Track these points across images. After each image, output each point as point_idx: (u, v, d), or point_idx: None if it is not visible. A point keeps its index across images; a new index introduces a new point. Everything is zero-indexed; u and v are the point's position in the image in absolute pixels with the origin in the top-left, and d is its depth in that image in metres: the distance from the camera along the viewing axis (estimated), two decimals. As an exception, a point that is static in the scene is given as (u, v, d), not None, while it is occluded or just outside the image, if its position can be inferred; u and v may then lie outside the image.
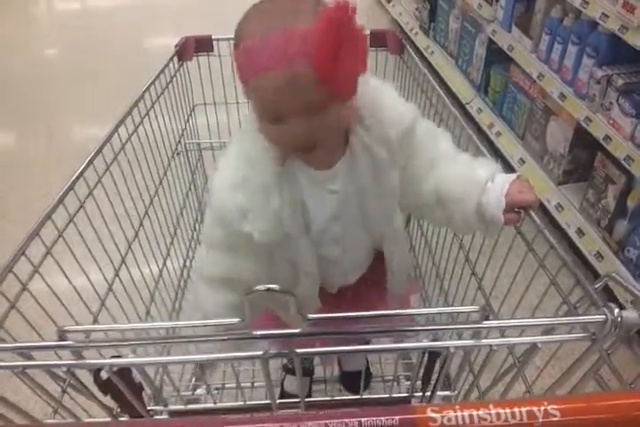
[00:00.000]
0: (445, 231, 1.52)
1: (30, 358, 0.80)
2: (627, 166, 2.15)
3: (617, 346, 0.77)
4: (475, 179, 1.09)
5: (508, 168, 3.07)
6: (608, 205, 2.36)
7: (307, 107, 0.95)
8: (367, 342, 0.99)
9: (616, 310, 0.73)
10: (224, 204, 1.09)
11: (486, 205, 1.05)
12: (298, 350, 0.76)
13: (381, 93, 1.11)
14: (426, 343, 0.77)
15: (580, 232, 2.48)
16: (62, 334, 0.75)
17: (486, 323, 0.73)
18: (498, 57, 3.16)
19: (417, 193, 1.19)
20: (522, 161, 2.94)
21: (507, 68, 3.13)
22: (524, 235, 1.05)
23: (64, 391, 1.01)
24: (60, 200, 1.15)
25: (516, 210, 1.03)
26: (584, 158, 2.62)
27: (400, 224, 1.25)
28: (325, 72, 0.89)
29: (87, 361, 0.77)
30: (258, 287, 0.68)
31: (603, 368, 0.81)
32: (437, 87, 1.63)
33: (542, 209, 2.78)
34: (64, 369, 0.77)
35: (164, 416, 0.98)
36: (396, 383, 1.50)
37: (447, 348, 0.76)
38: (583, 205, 2.53)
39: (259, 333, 0.73)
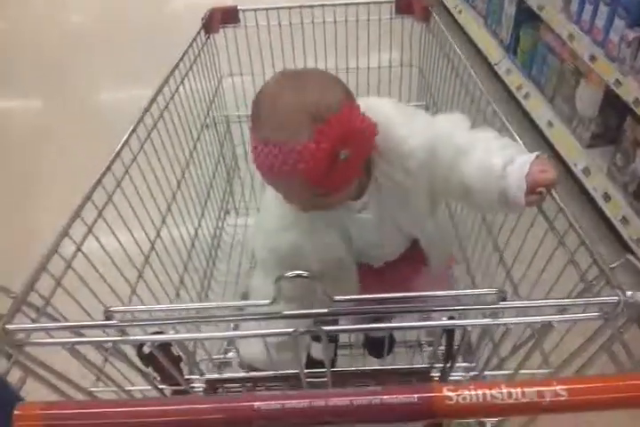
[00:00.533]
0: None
1: (79, 333, 0.87)
2: (656, 131, 2.13)
3: (630, 325, 0.80)
4: (492, 168, 1.10)
5: (536, 131, 3.04)
6: (636, 170, 2.34)
7: (310, 196, 1.07)
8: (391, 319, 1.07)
9: (628, 293, 0.76)
10: (279, 244, 1.23)
11: (508, 188, 1.08)
12: (324, 328, 0.81)
13: (393, 126, 1.13)
14: (445, 321, 0.81)
15: (607, 197, 2.47)
16: (109, 314, 0.82)
17: (502, 304, 0.78)
18: (528, 16, 3.08)
19: (446, 193, 1.28)
20: (550, 124, 2.91)
21: (537, 28, 3.06)
22: (545, 213, 1.07)
23: (106, 360, 1.09)
24: (95, 186, 1.20)
25: (539, 190, 1.05)
26: (613, 122, 2.59)
27: (432, 228, 1.32)
28: (320, 184, 1.01)
29: (132, 337, 0.84)
30: (288, 274, 0.74)
31: (616, 345, 0.85)
32: (464, 58, 1.63)
33: (569, 173, 2.78)
34: (110, 345, 0.83)
35: (201, 384, 1.06)
36: (418, 349, 1.57)
37: (464, 326, 0.81)
38: (611, 169, 2.51)
39: (288, 312, 0.79)
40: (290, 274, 0.74)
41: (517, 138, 1.25)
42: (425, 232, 1.33)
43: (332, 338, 1.83)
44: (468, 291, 0.83)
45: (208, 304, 0.89)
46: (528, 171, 1.05)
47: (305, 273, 0.74)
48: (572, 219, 0.97)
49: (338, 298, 0.78)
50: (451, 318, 0.81)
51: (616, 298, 0.76)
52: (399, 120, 1.16)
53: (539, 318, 0.79)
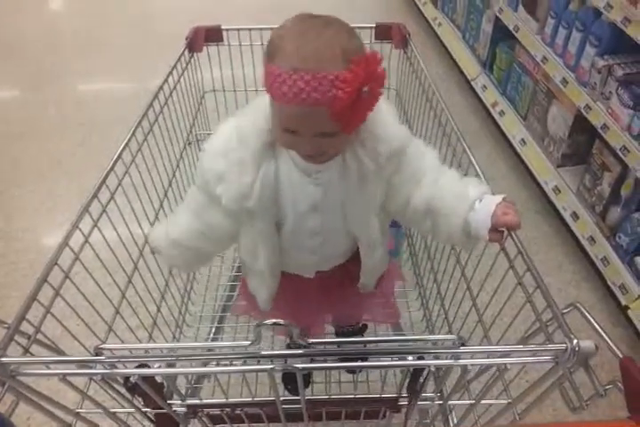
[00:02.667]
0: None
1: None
2: (622, 157, 2.22)
3: (577, 367, 0.88)
4: (465, 197, 1.18)
5: (510, 147, 3.14)
6: (603, 192, 2.45)
7: (319, 133, 1.07)
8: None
9: (575, 341, 0.84)
10: (206, 167, 1.22)
11: (473, 222, 1.16)
12: (299, 366, 0.88)
13: (380, 111, 1.18)
14: (411, 362, 0.89)
15: (575, 216, 2.58)
16: (99, 351, 0.88)
17: (462, 348, 0.85)
18: (505, 34, 3.17)
19: (404, 204, 1.28)
20: (523, 142, 3.01)
21: (513, 47, 3.15)
22: (508, 253, 1.15)
23: (91, 380, 1.14)
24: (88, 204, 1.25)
25: (500, 229, 1.13)
26: (583, 143, 2.69)
27: (376, 232, 1.33)
28: (340, 118, 1.01)
29: (119, 371, 0.90)
30: (266, 322, 0.80)
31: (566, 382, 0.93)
32: (435, 89, 1.70)
33: (540, 191, 2.88)
34: (99, 378, 0.89)
35: (182, 409, 1.12)
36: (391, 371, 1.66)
37: (429, 366, 0.89)
38: (580, 189, 2.61)
39: (266, 353, 0.85)
40: (268, 322, 0.81)
41: (482, 177, 1.33)
42: (368, 235, 1.33)
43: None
44: (430, 337, 0.91)
45: (191, 344, 0.95)
46: (493, 212, 1.13)
47: (282, 321, 0.80)
48: (530, 263, 1.04)
49: (312, 341, 0.85)
50: (420, 357, 0.89)
51: (564, 345, 0.84)
52: (389, 112, 1.24)
53: (495, 361, 0.87)
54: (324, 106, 0.99)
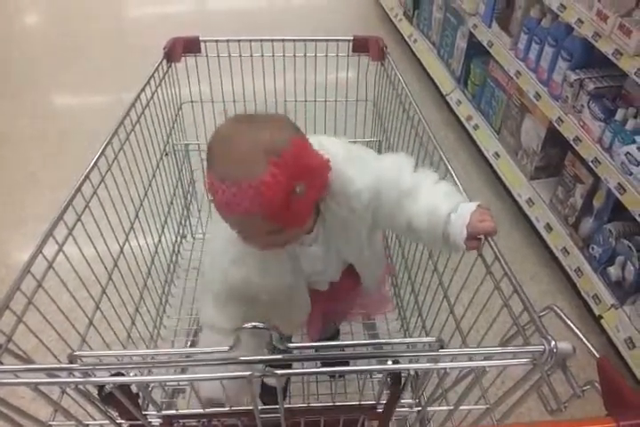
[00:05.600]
0: (422, 249, 1.66)
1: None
2: (594, 168, 2.27)
3: (555, 369, 0.89)
4: (438, 213, 1.19)
5: (484, 160, 3.18)
6: (576, 203, 2.49)
7: (266, 233, 1.11)
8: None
9: (552, 342, 0.85)
10: (231, 280, 1.28)
11: (451, 234, 1.17)
12: (278, 371, 0.87)
13: (341, 166, 1.19)
14: (390, 366, 0.88)
15: (549, 227, 2.61)
16: (73, 358, 0.86)
17: (441, 351, 0.85)
18: (479, 50, 3.23)
19: (389, 226, 1.39)
20: (497, 155, 3.05)
21: (487, 62, 3.20)
22: (485, 258, 1.16)
23: (64, 393, 1.12)
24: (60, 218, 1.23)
25: (478, 236, 1.14)
26: (556, 156, 2.74)
27: (368, 255, 1.41)
28: (276, 219, 1.06)
29: (94, 379, 0.88)
30: (246, 325, 0.79)
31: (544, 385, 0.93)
32: (414, 102, 1.72)
33: (514, 203, 2.92)
34: (73, 387, 0.87)
35: (158, 420, 1.10)
36: (369, 375, 1.65)
37: (408, 369, 0.89)
38: (553, 201, 2.65)
39: (244, 358, 0.84)
40: (248, 325, 0.80)
41: (459, 185, 1.34)
42: (360, 258, 1.42)
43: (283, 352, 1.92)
44: (410, 339, 0.91)
45: (168, 350, 0.93)
46: (469, 221, 1.14)
47: (261, 325, 0.80)
48: (507, 268, 1.05)
49: (291, 345, 0.84)
50: (396, 362, 0.88)
51: (542, 347, 0.85)
52: (347, 161, 1.22)
53: (474, 364, 0.87)
54: (256, 214, 1.02)
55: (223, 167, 1.04)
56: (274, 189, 0.99)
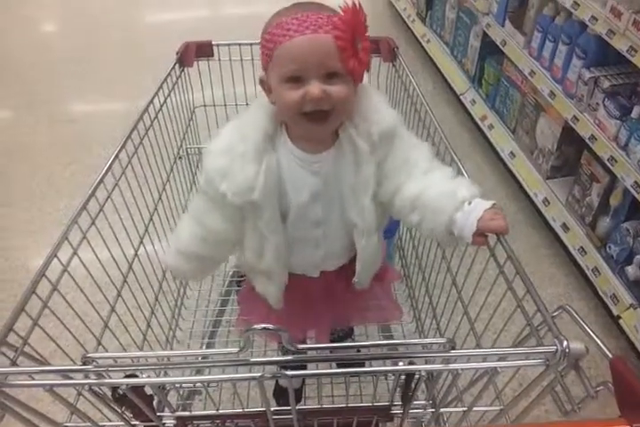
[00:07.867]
0: (436, 248, 1.65)
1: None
2: (610, 167, 2.24)
3: (569, 370, 0.88)
4: (455, 196, 1.18)
5: (500, 160, 3.16)
6: (592, 202, 2.46)
7: (324, 69, 1.12)
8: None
9: (565, 342, 0.84)
10: (210, 166, 1.25)
11: (459, 223, 1.15)
12: (289, 373, 0.87)
13: (371, 96, 1.27)
14: (402, 367, 0.88)
15: (565, 227, 2.59)
16: (87, 360, 0.87)
17: (453, 352, 0.85)
18: (492, 49, 3.21)
19: (394, 193, 1.28)
20: (512, 154, 3.03)
21: (500, 62, 3.18)
22: (497, 258, 1.15)
23: (80, 395, 1.13)
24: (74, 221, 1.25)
25: (485, 234, 1.14)
26: (571, 155, 2.71)
27: (371, 217, 1.31)
28: (344, 43, 1.09)
29: (108, 380, 0.89)
30: (255, 326, 0.80)
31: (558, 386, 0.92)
32: (424, 100, 1.71)
33: (530, 203, 2.89)
34: (87, 388, 0.88)
35: (172, 421, 1.11)
36: (383, 377, 1.65)
37: (420, 371, 0.88)
38: (569, 200, 2.63)
39: (255, 360, 0.85)
40: (257, 327, 0.80)
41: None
42: (363, 219, 1.31)
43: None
44: (422, 340, 0.90)
45: (180, 352, 0.94)
46: (481, 215, 1.13)
47: (271, 326, 0.80)
48: (520, 267, 1.04)
49: (302, 347, 0.84)
50: (410, 362, 0.88)
51: (554, 347, 0.84)
52: (379, 97, 1.30)
53: (486, 365, 0.87)
54: (328, 33, 1.08)
55: (294, 12, 1.12)
56: (345, 24, 1.08)
